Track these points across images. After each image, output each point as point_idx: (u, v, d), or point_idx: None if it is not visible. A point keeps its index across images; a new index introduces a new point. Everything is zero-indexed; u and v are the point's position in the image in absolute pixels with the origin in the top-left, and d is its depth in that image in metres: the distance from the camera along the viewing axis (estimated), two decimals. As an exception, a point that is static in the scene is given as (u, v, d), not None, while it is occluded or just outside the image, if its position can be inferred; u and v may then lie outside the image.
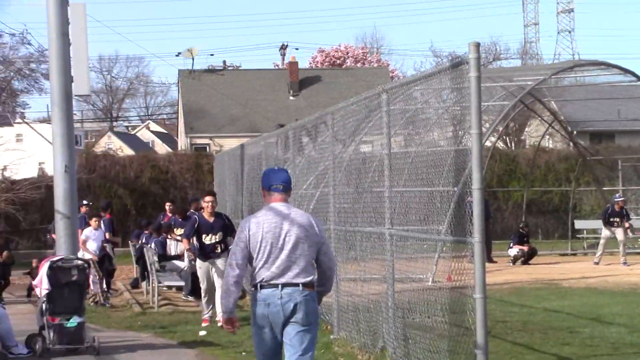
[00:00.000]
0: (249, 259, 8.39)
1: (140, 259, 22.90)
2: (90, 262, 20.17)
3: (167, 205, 25.46)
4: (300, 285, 8.29)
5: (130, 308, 20.37)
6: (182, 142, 60.09)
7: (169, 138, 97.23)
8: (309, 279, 8.39)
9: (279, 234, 8.37)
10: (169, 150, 60.80)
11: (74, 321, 14.05)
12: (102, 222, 23.19)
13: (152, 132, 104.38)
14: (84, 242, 20.82)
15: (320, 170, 16.69)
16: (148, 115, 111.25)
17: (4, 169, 41.25)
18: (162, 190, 39.29)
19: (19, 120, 67.90)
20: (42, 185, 35.32)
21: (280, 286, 8.27)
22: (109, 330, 16.84)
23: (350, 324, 13.55)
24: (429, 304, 10.70)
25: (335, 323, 14.24)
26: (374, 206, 12.72)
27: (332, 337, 14.08)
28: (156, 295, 20.23)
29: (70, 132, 15.33)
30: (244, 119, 58.17)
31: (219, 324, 16.13)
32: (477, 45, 8.86)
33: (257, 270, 8.36)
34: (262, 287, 8.31)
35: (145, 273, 22.29)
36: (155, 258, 21.13)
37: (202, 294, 17.26)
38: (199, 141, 56.47)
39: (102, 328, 17.13)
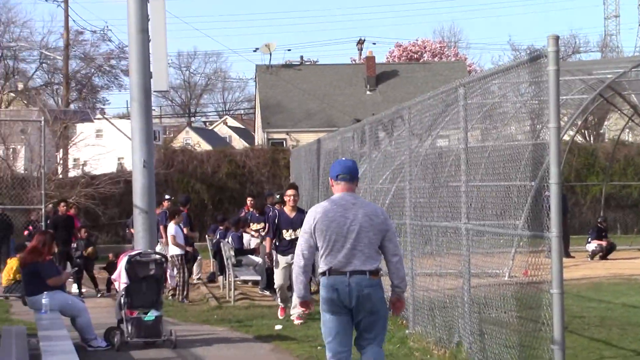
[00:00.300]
0: (316, 247, 8.68)
1: (218, 254, 23.06)
2: (176, 257, 20.40)
3: (249, 200, 25.49)
4: (367, 273, 8.59)
5: (207, 302, 20.53)
6: (259, 137, 60.36)
7: (246, 133, 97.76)
8: (374, 266, 8.65)
9: (343, 223, 8.66)
10: (246, 145, 61.07)
11: (151, 315, 14.20)
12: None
13: (230, 127, 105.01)
14: (174, 237, 20.88)
15: (396, 165, 16.67)
16: (225, 110, 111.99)
17: (84, 164, 41.85)
18: (239, 185, 39.54)
19: (98, 116, 68.81)
20: (121, 180, 35.76)
21: (347, 274, 8.58)
22: (185, 324, 16.99)
23: (425, 319, 13.52)
24: (505, 299, 10.64)
25: (410, 318, 14.21)
26: (450, 201, 12.66)
27: (407, 331, 14.06)
28: (232, 289, 20.36)
29: (149, 127, 15.49)
30: (321, 113, 58.25)
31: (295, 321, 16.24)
32: (556, 38, 8.78)
33: (324, 257, 8.68)
34: (330, 273, 8.64)
35: (222, 267, 22.44)
36: (232, 253, 21.27)
37: (277, 290, 17.13)
38: (275, 136, 56.67)
39: (179, 322, 17.28)
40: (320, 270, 8.77)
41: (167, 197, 24.95)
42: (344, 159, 10.13)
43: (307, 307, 9.09)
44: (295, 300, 16.09)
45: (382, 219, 8.81)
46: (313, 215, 8.81)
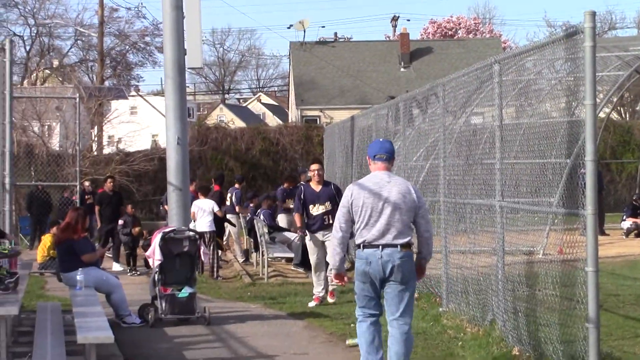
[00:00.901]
0: (353, 221, 9.38)
1: (252, 231, 23.11)
2: (206, 234, 20.40)
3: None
4: (399, 246, 9.26)
5: (240, 279, 20.59)
6: (293, 114, 60.38)
7: (279, 110, 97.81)
8: (406, 240, 9.32)
9: (379, 200, 9.31)
10: (280, 122, 61.15)
11: (185, 292, 14.25)
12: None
13: (263, 104, 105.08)
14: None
15: (430, 142, 16.61)
16: (259, 87, 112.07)
17: (119, 141, 42.04)
18: (273, 163, 39.60)
19: (133, 93, 69.12)
20: (155, 157, 35.94)
21: (380, 247, 9.26)
22: (219, 301, 17.04)
23: (459, 297, 13.49)
24: (539, 277, 10.61)
25: (444, 295, 14.19)
26: (485, 178, 12.61)
27: (440, 309, 14.05)
28: (266, 266, 20.40)
29: (183, 104, 15.51)
30: (354, 90, 58.17)
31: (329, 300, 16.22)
32: (593, 14, 8.72)
33: (359, 231, 9.37)
34: (364, 247, 9.33)
35: (256, 244, 22.48)
36: (266, 230, 21.30)
37: (313, 270, 16.49)
38: (309, 113, 56.66)
39: (212, 299, 17.34)
40: (356, 242, 9.41)
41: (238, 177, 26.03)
42: (381, 139, 10.47)
43: (341, 280, 9.67)
44: (319, 280, 16.11)
45: (414, 197, 9.40)
46: (350, 191, 9.46)
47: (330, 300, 16.30)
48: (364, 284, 9.40)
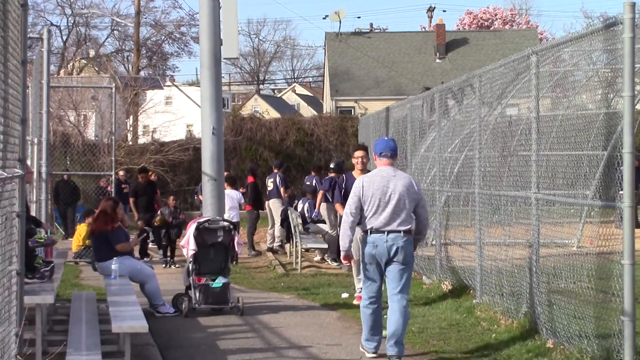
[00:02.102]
0: (361, 209, 10.66)
1: (285, 221, 23.12)
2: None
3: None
4: (402, 232, 10.61)
5: (273, 270, 20.62)
6: (327, 105, 60.32)
7: (314, 101, 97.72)
8: (408, 227, 10.68)
9: (385, 191, 10.65)
10: (314, 113, 61.05)
11: (219, 282, 14.28)
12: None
13: (298, 95, 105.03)
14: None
15: (465, 134, 16.55)
16: (294, 78, 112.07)
17: (154, 131, 42.19)
18: (307, 153, 39.57)
19: (168, 83, 69.36)
20: (190, 147, 35.98)
21: (386, 232, 10.59)
22: (252, 291, 17.08)
23: (493, 289, 13.45)
24: (574, 270, 10.55)
25: (478, 287, 14.15)
26: (520, 170, 12.56)
27: (474, 301, 14.01)
28: (299, 257, 20.42)
29: (218, 94, 15.51)
30: (389, 81, 58.04)
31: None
32: (632, 4, 8.65)
33: (367, 219, 10.67)
34: (371, 232, 10.64)
35: (290, 235, 22.49)
36: (299, 220, 21.29)
37: (355, 270, 15.07)
38: (344, 104, 56.59)
39: (245, 289, 17.39)
40: (363, 229, 10.71)
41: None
42: (386, 138, 11.72)
43: (349, 260, 11.04)
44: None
45: (416, 190, 10.81)
46: (361, 182, 10.79)
47: (356, 303, 15.63)
48: (371, 265, 10.70)
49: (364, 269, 10.81)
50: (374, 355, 10.92)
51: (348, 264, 11.18)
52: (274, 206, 24.15)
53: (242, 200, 22.33)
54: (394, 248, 10.57)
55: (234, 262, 20.17)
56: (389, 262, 10.63)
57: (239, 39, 16.54)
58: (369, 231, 10.66)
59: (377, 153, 10.96)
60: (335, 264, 20.66)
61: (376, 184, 10.69)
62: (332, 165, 21.43)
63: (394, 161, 11.00)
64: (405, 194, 10.65)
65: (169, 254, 21.75)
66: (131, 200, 23.71)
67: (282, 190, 24.15)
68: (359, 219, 10.74)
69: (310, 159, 36.82)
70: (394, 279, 10.67)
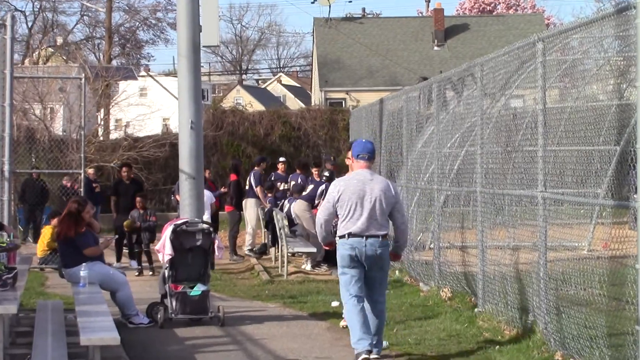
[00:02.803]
0: (335, 214, 11.35)
1: (270, 224, 23.07)
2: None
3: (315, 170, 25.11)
4: (380, 236, 11.21)
5: (257, 276, 20.59)
6: (316, 96, 60.33)
7: (301, 92, 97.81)
8: (386, 232, 11.28)
9: (362, 195, 11.22)
10: (302, 105, 61.12)
11: (197, 289, 14.25)
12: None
13: (284, 85, 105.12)
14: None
15: (466, 128, 16.56)
16: (280, 67, 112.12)
17: (127, 125, 42.10)
18: (294, 149, 39.53)
19: (143, 73, 69.25)
20: (167, 142, 35.91)
21: (364, 237, 11.16)
22: (234, 300, 17.06)
23: (496, 296, 13.45)
24: (584, 275, 10.56)
25: (480, 295, 14.14)
26: (525, 167, 12.58)
27: (476, 310, 14.01)
28: (285, 262, 20.39)
29: (197, 85, 15.51)
30: (383, 71, 58.06)
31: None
32: (646, -13, 8.62)
33: (344, 223, 11.26)
34: (349, 236, 11.20)
35: (275, 238, 22.43)
36: (286, 222, 21.24)
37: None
38: (334, 95, 56.60)
39: (227, 297, 17.36)
40: (339, 233, 11.31)
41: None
42: (364, 140, 12.17)
43: (331, 246, 11.77)
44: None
45: (393, 193, 11.39)
46: (337, 187, 11.41)
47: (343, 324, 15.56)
48: (350, 269, 11.27)
49: (342, 273, 11.39)
50: (369, 354, 11.09)
51: (330, 248, 11.87)
52: (247, 207, 24.13)
53: (213, 200, 22.25)
54: (372, 254, 11.20)
55: (213, 268, 20.13)
56: (366, 265, 11.27)
57: (219, 25, 16.53)
58: (346, 235, 11.25)
59: (355, 155, 11.54)
60: (323, 267, 20.65)
61: (352, 188, 11.29)
62: (326, 174, 22.48)
63: (371, 164, 11.63)
64: (382, 198, 11.25)
65: (144, 259, 21.44)
66: (112, 199, 23.26)
67: (258, 189, 24.07)
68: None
69: (298, 155, 36.73)
70: (372, 286, 11.41)
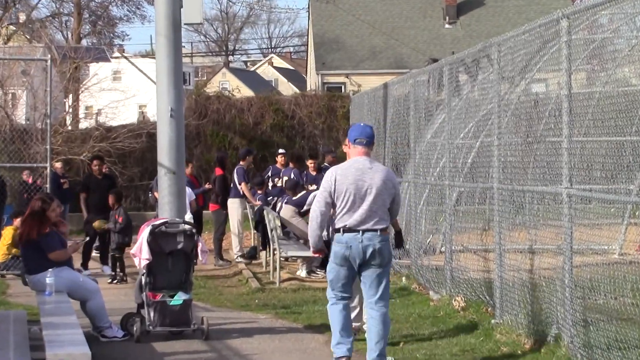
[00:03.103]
0: (333, 205, 11.42)
1: (260, 224, 23.06)
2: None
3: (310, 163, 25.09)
4: (379, 231, 11.36)
5: (246, 283, 20.60)
6: (312, 80, 60.39)
7: (296, 76, 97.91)
8: (385, 225, 11.46)
9: (361, 186, 11.34)
10: (296, 90, 61.10)
11: (179, 298, 14.24)
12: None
13: (276, 68, 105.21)
14: None
15: (481, 116, 16.58)
16: (271, 48, 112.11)
17: (99, 113, 42.11)
18: (287, 140, 39.51)
19: (116, 54, 69.23)
20: (143, 133, 35.90)
21: (361, 232, 11.31)
22: (220, 310, 17.07)
23: (516, 306, 13.46)
24: (615, 282, 10.57)
25: (497, 304, 14.15)
26: (549, 160, 12.59)
27: (493, 321, 14.02)
28: (278, 268, 20.38)
29: (178, 68, 15.51)
30: (388, 52, 58.11)
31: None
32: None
33: (340, 216, 11.40)
34: (344, 231, 11.35)
35: (266, 241, 22.43)
36: (278, 223, 21.23)
37: None
38: (332, 79, 56.65)
39: (212, 307, 17.38)
40: (336, 227, 11.46)
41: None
42: (362, 124, 12.38)
43: (322, 253, 11.93)
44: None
45: (393, 184, 11.60)
46: (333, 175, 11.48)
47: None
48: (341, 268, 11.48)
49: (332, 269, 11.63)
50: None
51: (321, 255, 12.08)
52: (230, 207, 24.04)
53: (193, 197, 22.24)
54: (370, 249, 11.33)
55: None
56: (364, 265, 11.42)
57: (203, 0, 16.51)
58: (341, 230, 11.41)
59: (352, 140, 11.65)
60: (320, 273, 20.61)
61: (350, 178, 11.39)
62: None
63: (370, 150, 11.71)
64: (383, 189, 11.42)
65: (117, 268, 21.27)
66: (82, 196, 23.15)
67: (242, 187, 23.93)
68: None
69: (292, 147, 36.74)
70: (372, 285, 11.50)
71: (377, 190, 11.33)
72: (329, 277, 11.72)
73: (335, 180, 11.40)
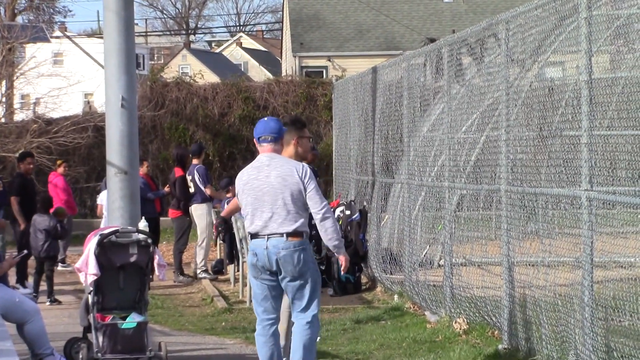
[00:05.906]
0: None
1: (227, 234, 23.06)
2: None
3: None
4: (285, 235, 11.66)
5: (211, 303, 20.63)
6: (288, 64, 60.46)
7: (269, 58, 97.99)
8: (292, 228, 11.68)
9: (258, 186, 11.81)
10: (269, 75, 61.18)
11: (132, 321, 14.23)
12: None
13: (245, 50, 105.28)
14: None
15: (487, 105, 16.61)
16: (240, 26, 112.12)
17: (37, 103, 42.03)
18: (259, 134, 39.61)
19: (58, 33, 69.13)
20: (90, 126, 35.90)
21: (266, 237, 11.70)
22: (180, 334, 17.11)
23: (527, 329, 13.53)
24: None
25: (504, 327, 14.21)
26: (565, 158, 12.63)
27: (500, 347, 14.08)
28: (248, 284, 20.41)
29: (130, 50, 15.55)
30: (377, 30, 58.20)
31: None
32: None
33: (247, 222, 11.91)
34: (252, 237, 11.87)
35: (234, 253, 22.45)
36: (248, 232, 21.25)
37: None
38: (311, 62, 56.73)
39: (171, 331, 17.42)
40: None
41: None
42: (266, 119, 12.50)
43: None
44: None
45: (297, 178, 11.74)
46: (239, 179, 12.10)
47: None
48: (255, 279, 11.94)
49: (250, 282, 12.47)
50: None
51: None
52: (194, 214, 23.99)
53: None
54: (274, 257, 11.70)
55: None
56: (279, 275, 11.80)
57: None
58: (249, 236, 12.07)
59: (256, 139, 12.12)
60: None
61: (246, 178, 12.02)
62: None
63: (279, 146, 12.14)
64: (281, 186, 11.76)
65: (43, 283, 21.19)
66: (13, 200, 23.07)
67: (208, 189, 23.82)
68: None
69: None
70: (294, 299, 11.94)
71: (274, 189, 11.73)
72: (252, 294, 12.33)
73: (240, 181, 12.05)
